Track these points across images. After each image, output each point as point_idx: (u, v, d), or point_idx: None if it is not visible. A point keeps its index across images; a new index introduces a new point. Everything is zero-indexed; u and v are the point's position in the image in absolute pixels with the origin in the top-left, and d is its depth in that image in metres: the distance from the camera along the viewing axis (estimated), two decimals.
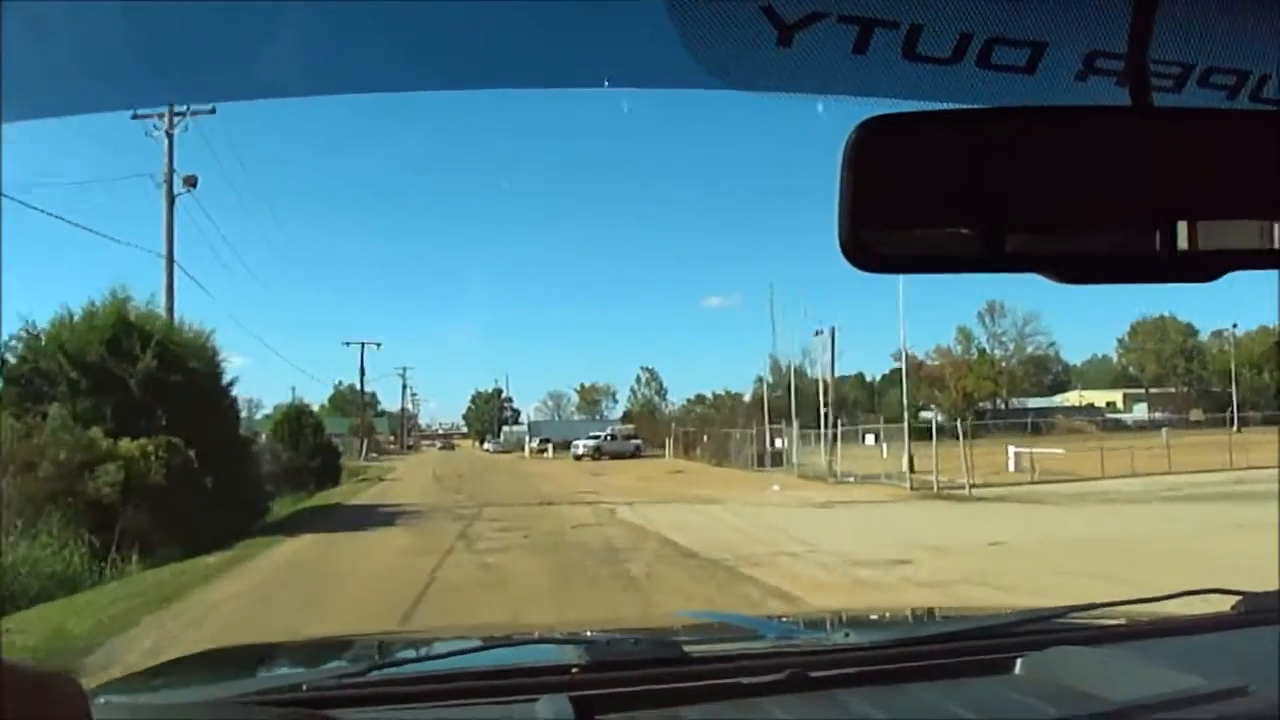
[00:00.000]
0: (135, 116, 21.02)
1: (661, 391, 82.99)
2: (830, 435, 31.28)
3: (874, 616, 2.41)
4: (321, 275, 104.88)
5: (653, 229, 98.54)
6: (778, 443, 35.49)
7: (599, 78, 1.24)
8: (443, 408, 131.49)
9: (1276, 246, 0.83)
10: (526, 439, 70.10)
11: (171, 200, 21.99)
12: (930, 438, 27.19)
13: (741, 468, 35.28)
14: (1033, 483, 23.99)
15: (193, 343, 18.09)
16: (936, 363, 61.39)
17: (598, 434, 54.17)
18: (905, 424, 27.92)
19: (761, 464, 34.05)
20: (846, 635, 1.56)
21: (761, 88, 1.14)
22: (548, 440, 61.31)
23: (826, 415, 31.85)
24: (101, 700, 1.27)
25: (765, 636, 1.69)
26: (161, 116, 21.37)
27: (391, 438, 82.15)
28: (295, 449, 30.46)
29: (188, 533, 13.94)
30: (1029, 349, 63.00)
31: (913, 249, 0.83)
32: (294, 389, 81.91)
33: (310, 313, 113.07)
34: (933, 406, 55.63)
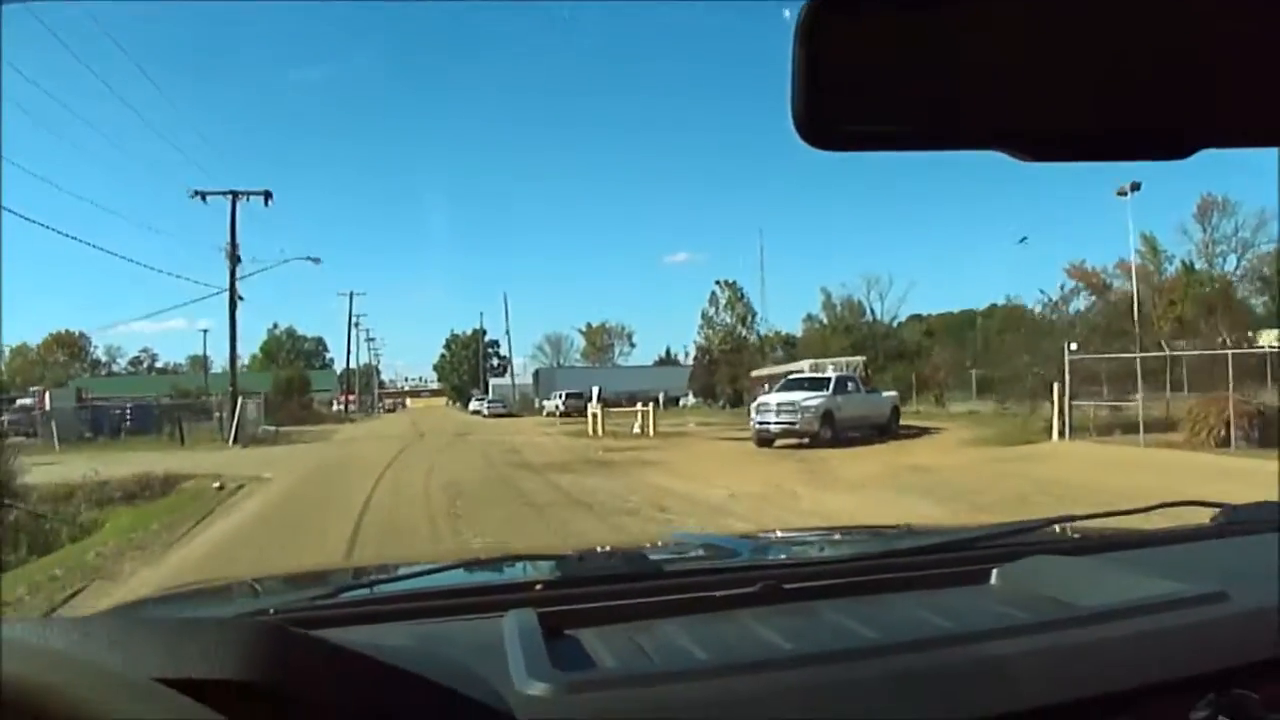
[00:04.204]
0: None
1: (749, 318, 56.31)
2: None
3: (850, 533, 2.36)
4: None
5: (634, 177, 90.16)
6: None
7: None
8: (411, 366, 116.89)
9: (1257, 124, 0.79)
10: (536, 395, 49.73)
11: None
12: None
13: None
14: None
15: None
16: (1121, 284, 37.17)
17: (811, 376, 24.92)
18: None
19: None
20: (821, 550, 1.53)
21: None
22: (579, 397, 38.28)
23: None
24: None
25: (741, 554, 1.68)
26: None
27: (340, 398, 63.10)
28: None
29: None
30: (1265, 263, 37.96)
31: (875, 125, 0.77)
32: (205, 333, 60.63)
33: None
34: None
